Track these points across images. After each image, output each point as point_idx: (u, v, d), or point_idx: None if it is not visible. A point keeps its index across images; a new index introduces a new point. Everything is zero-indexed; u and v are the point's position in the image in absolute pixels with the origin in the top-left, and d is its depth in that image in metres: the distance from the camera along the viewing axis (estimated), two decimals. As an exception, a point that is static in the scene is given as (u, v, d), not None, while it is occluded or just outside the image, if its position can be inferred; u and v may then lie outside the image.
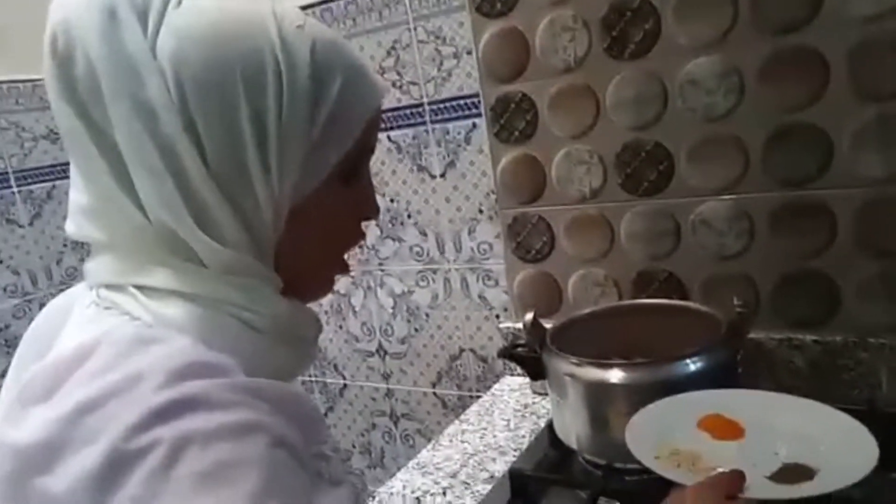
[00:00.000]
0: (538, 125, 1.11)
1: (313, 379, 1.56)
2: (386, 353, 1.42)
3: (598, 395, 0.80)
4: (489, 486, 0.91)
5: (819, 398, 0.97)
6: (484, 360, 1.30)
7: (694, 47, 0.97)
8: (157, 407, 0.39)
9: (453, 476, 0.95)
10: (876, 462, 0.57)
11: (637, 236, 1.08)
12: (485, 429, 1.07)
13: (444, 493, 0.92)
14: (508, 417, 1.10)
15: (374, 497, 0.94)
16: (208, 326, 0.46)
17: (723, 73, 0.96)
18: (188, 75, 0.44)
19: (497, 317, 1.26)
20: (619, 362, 0.82)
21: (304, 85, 0.47)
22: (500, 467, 0.95)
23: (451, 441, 1.06)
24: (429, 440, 1.40)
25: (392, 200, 1.31)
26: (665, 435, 0.66)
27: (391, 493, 0.94)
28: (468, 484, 0.93)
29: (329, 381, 1.53)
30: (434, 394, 1.38)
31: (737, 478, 0.55)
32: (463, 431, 1.08)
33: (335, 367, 1.51)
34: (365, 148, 0.53)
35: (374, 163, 1.30)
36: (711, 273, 1.04)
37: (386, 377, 1.44)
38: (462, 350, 1.32)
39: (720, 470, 0.57)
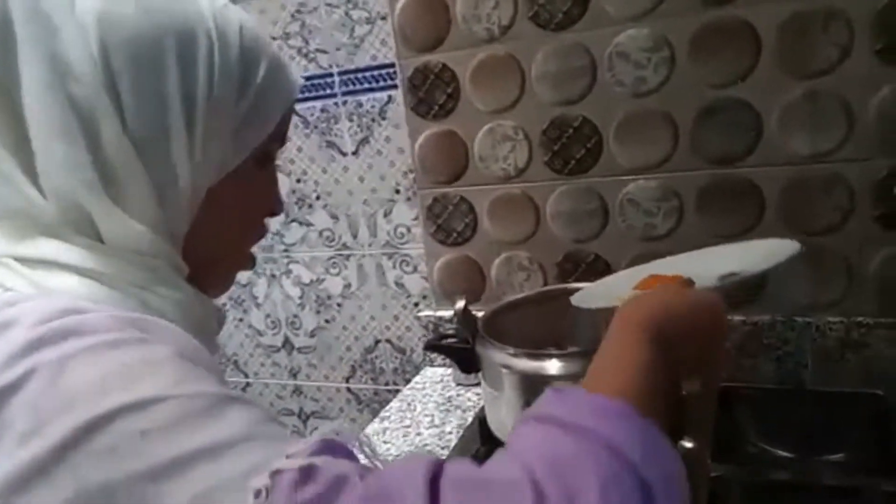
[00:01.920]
0: (460, 99, 1.04)
1: (211, 378, 1.42)
2: (293, 347, 1.31)
3: (536, 387, 0.73)
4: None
5: (747, 379, 0.98)
6: (402, 351, 1.22)
7: (624, 17, 0.92)
8: (33, 338, 0.36)
9: (376, 481, 0.87)
10: (799, 248, 0.59)
11: (563, 217, 1.03)
12: (408, 427, 0.99)
13: None
14: (432, 413, 1.02)
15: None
16: (101, 298, 0.42)
17: (653, 45, 0.92)
18: (115, 34, 0.43)
19: (416, 305, 1.18)
20: (557, 353, 0.77)
21: (233, 64, 0.47)
22: (428, 468, 0.88)
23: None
24: (342, 438, 1.31)
25: (298, 181, 1.20)
26: (606, 298, 0.65)
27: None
28: (394, 489, 0.85)
29: (229, 379, 1.40)
30: (347, 389, 1.29)
31: (688, 281, 0.54)
32: (384, 430, 0.99)
33: (236, 363, 1.38)
34: (276, 138, 0.53)
35: (278, 139, 1.18)
36: (638, 254, 1.00)
37: (293, 373, 1.33)
38: (378, 341, 1.23)
39: None
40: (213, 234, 0.50)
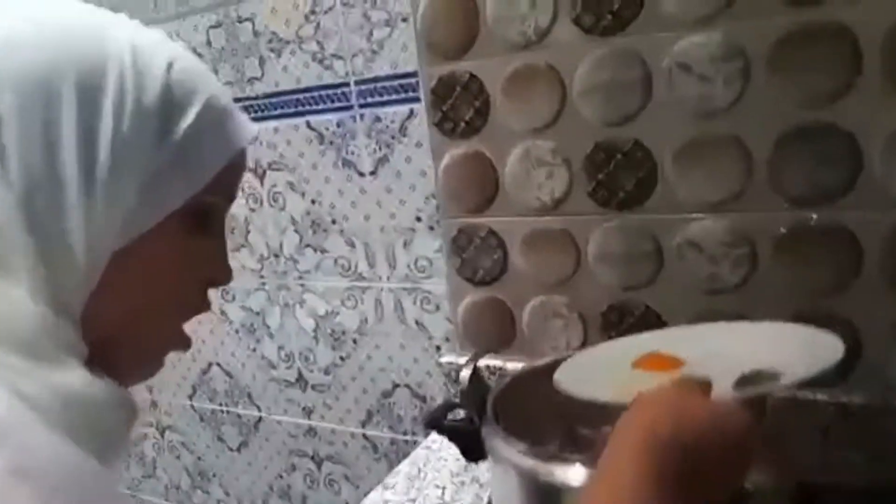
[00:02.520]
0: (489, 115, 0.89)
1: (224, 409, 1.32)
2: (307, 383, 1.19)
3: (551, 498, 0.57)
4: None
5: (832, 474, 0.79)
6: (422, 398, 1.07)
7: (687, 20, 0.75)
8: None
9: (362, 573, 0.73)
10: (843, 351, 0.53)
11: (609, 259, 0.86)
12: (412, 501, 0.85)
13: None
14: (444, 484, 0.87)
15: None
16: None
17: (723, 54, 0.74)
18: (2, 68, 0.38)
19: (437, 349, 1.03)
20: (581, 456, 0.60)
21: (152, 105, 0.41)
22: (424, 562, 0.73)
23: (367, 515, 0.83)
24: (357, 487, 1.18)
25: (313, 202, 1.07)
26: (599, 380, 0.59)
27: None
28: (379, 587, 0.70)
29: (242, 411, 1.29)
30: (363, 435, 1.15)
31: (703, 383, 0.48)
32: (385, 502, 0.85)
33: (249, 396, 1.27)
34: (220, 195, 0.46)
35: (293, 155, 1.06)
36: (700, 310, 0.82)
37: (307, 412, 1.21)
38: (396, 385, 1.09)
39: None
40: (124, 307, 0.42)
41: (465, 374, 0.67)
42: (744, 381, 0.54)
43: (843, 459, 0.77)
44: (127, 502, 0.42)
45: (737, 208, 0.78)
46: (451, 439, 0.70)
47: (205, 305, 0.48)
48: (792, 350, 0.58)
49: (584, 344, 0.91)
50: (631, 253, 0.85)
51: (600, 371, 0.62)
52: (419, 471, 0.91)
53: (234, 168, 0.46)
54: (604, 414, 0.65)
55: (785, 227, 0.76)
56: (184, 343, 0.49)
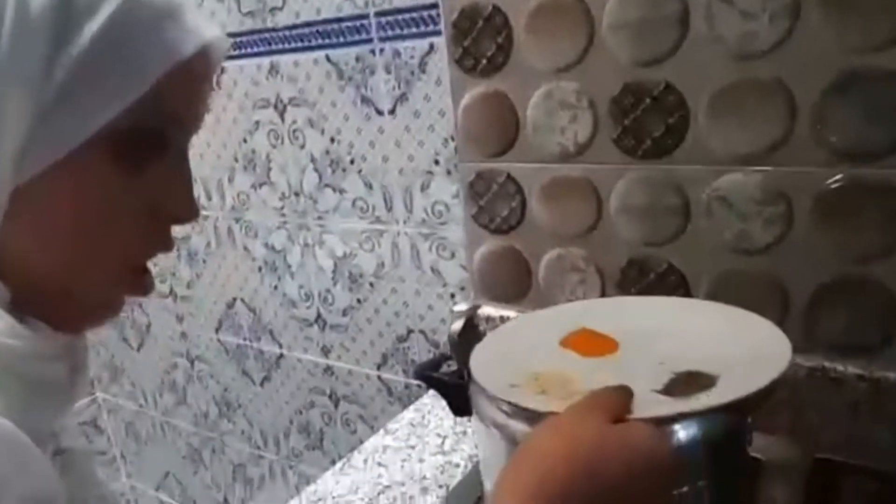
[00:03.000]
0: (511, 52, 0.82)
1: (249, 344, 1.33)
2: (326, 323, 1.18)
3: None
4: (392, 543, 0.68)
5: (857, 455, 0.73)
6: (435, 345, 1.05)
7: (732, -53, 0.67)
8: None
9: (352, 519, 0.72)
10: (789, 358, 0.48)
11: (631, 211, 0.81)
12: (412, 448, 0.83)
13: (333, 546, 0.69)
14: (445, 434, 0.85)
15: (244, 539, 0.71)
16: None
17: (771, -13, 0.66)
18: None
19: (452, 296, 1.00)
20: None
21: (38, 12, 0.33)
22: (415, 512, 0.72)
23: (366, 461, 0.82)
24: (371, 427, 1.18)
25: (332, 140, 1.04)
26: (520, 360, 0.55)
27: (267, 537, 0.71)
28: (367, 534, 0.70)
29: (265, 348, 1.30)
30: (378, 378, 1.15)
31: (622, 395, 0.44)
32: (384, 448, 0.84)
33: (271, 333, 1.28)
34: (166, 119, 0.39)
35: (313, 90, 1.02)
36: (725, 270, 0.76)
37: (326, 352, 1.20)
38: (410, 331, 1.07)
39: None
40: (51, 249, 0.38)
41: (457, 325, 0.64)
42: (673, 385, 0.49)
43: (870, 439, 0.71)
44: (43, 464, 0.37)
45: (774, 162, 0.71)
46: (439, 393, 0.67)
47: (164, 244, 0.43)
48: (735, 344, 0.53)
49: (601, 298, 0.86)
50: (655, 206, 0.79)
51: (525, 349, 0.58)
52: (423, 418, 0.90)
53: (181, 84, 0.38)
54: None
55: (826, 185, 0.69)
56: (141, 287, 0.43)
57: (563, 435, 0.39)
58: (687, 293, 0.79)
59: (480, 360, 0.55)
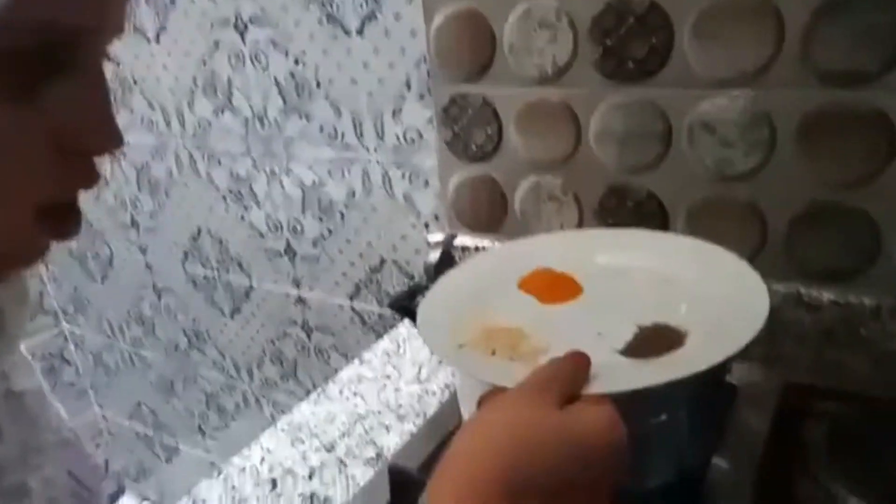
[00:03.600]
0: (488, -34, 0.78)
1: (217, 275, 1.30)
2: (295, 254, 1.15)
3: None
4: (369, 472, 0.67)
5: (822, 376, 0.74)
6: (410, 276, 1.04)
7: None
8: None
9: (329, 449, 0.72)
10: (766, 313, 0.43)
11: (612, 138, 0.78)
12: (388, 377, 0.83)
13: (310, 477, 0.68)
14: (421, 362, 0.85)
15: (219, 471, 0.71)
16: None
17: None
18: None
19: (426, 226, 0.98)
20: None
21: None
22: (392, 441, 0.72)
23: (341, 391, 0.81)
24: (346, 357, 1.18)
25: (297, 62, 0.98)
26: (474, 307, 0.51)
27: (243, 469, 0.71)
28: (344, 464, 0.69)
29: (234, 279, 1.28)
30: (352, 308, 1.13)
31: (575, 369, 0.39)
32: (360, 378, 0.83)
33: (239, 264, 1.25)
34: (53, 26, 0.29)
35: (275, 8, 0.96)
36: (705, 197, 0.75)
37: (296, 283, 1.18)
38: (383, 261, 1.05)
39: (551, 357, 0.41)
40: None
41: (433, 256, 0.62)
42: (638, 343, 0.45)
43: (842, 364, 0.73)
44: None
45: (760, 84, 0.68)
46: (413, 323, 0.66)
47: (84, 179, 0.34)
48: (707, 286, 0.48)
49: (578, 227, 0.85)
50: (636, 132, 0.76)
51: (480, 293, 0.53)
52: (398, 347, 0.89)
53: None
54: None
55: (811, 108, 0.67)
56: (61, 229, 0.35)
57: (505, 424, 0.35)
58: (665, 222, 0.78)
59: (428, 314, 0.51)
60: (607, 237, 0.60)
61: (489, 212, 0.90)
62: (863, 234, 0.69)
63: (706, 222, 0.76)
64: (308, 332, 1.22)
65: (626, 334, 0.45)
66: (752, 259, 0.72)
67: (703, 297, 0.48)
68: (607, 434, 0.35)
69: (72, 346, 1.77)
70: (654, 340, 0.44)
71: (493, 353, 0.45)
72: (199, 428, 1.58)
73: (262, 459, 0.72)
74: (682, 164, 0.75)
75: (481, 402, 0.38)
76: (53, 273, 1.66)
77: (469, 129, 0.87)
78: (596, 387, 0.38)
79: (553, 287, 0.53)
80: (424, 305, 0.52)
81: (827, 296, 0.72)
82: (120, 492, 1.91)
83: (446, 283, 0.55)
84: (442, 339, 0.47)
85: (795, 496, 0.61)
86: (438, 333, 0.48)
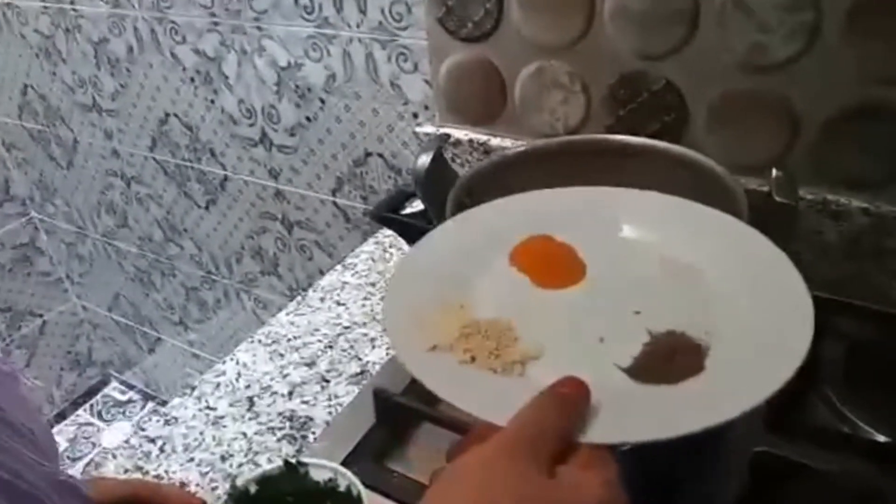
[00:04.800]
0: None
1: (189, 164, 1.20)
2: (272, 143, 1.06)
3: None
4: (353, 391, 0.63)
5: (840, 291, 0.69)
6: (396, 171, 0.95)
7: None
8: None
9: (310, 365, 0.67)
10: (809, 344, 0.33)
11: (629, 16, 0.68)
12: (373, 285, 0.77)
13: (289, 395, 0.64)
14: (409, 269, 0.78)
15: (193, 387, 0.66)
16: None
17: None
18: None
19: (415, 116, 0.89)
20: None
21: None
22: (377, 357, 0.67)
23: (323, 300, 0.75)
24: (329, 255, 1.11)
25: (266, -81, 0.85)
26: (453, 287, 0.41)
27: (217, 386, 0.66)
28: (326, 382, 0.64)
29: (207, 169, 1.18)
30: (334, 203, 1.06)
31: (575, 404, 0.31)
32: (343, 285, 0.77)
33: (212, 152, 1.15)
34: None
35: None
36: (731, 90, 0.66)
37: (274, 175, 1.09)
38: (368, 154, 0.96)
39: (543, 368, 0.34)
40: None
41: (425, 159, 0.54)
42: (648, 358, 0.36)
43: (864, 278, 0.67)
44: None
45: (810, -44, 0.58)
46: (402, 236, 0.59)
47: None
48: (740, 295, 0.38)
49: (584, 121, 0.76)
50: (658, 10, 0.66)
51: (461, 268, 0.43)
52: (384, 252, 0.82)
53: None
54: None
55: (869, -12, 0.57)
56: None
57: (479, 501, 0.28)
58: (683, 117, 0.70)
59: (395, 299, 0.41)
60: (620, 198, 0.48)
61: (485, 101, 0.81)
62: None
63: (730, 118, 0.68)
64: (288, 227, 1.15)
65: (635, 343, 0.37)
66: (780, 160, 0.65)
67: (732, 303, 0.39)
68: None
69: (43, 236, 1.69)
70: (667, 358, 0.36)
71: (473, 360, 0.36)
72: (181, 321, 1.54)
73: (239, 375, 0.66)
74: (708, 50, 0.65)
75: (450, 458, 0.31)
76: (17, 158, 1.56)
77: (465, 4, 0.76)
78: (597, 432, 0.31)
79: (551, 266, 0.43)
80: (392, 284, 0.42)
81: (856, 203, 0.65)
82: (104, 382, 1.91)
83: (423, 251, 0.45)
84: (409, 337, 0.37)
85: (808, 419, 0.58)
86: (404, 327, 0.38)
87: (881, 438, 0.53)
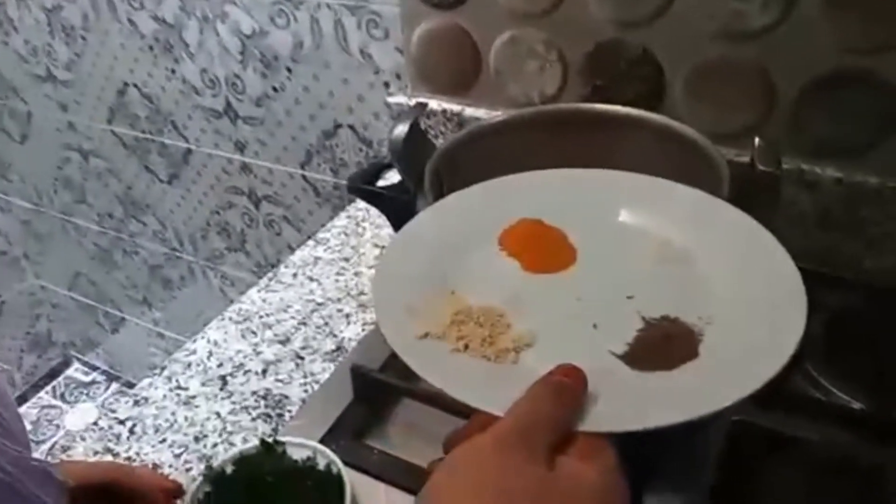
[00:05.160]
0: None
1: (149, 137, 1.16)
2: (237, 115, 1.02)
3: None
4: (329, 368, 0.61)
5: (814, 261, 0.69)
6: (367, 143, 0.93)
7: None
8: None
9: (284, 342, 0.65)
10: (801, 334, 0.33)
11: (606, -16, 0.67)
12: (346, 260, 0.75)
13: (263, 373, 0.62)
14: (384, 243, 0.77)
15: (162, 367, 0.64)
16: None
17: None
18: None
19: (386, 85, 0.86)
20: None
21: None
22: (353, 333, 0.65)
23: (295, 276, 0.73)
24: (298, 230, 1.09)
25: None
26: (443, 273, 0.40)
27: (188, 365, 0.64)
28: (301, 359, 0.63)
29: (168, 141, 1.14)
30: (303, 177, 1.03)
31: (572, 393, 0.30)
32: (315, 261, 0.75)
33: (174, 124, 1.11)
34: None
35: None
36: (709, 58, 0.66)
37: (240, 147, 1.06)
38: (338, 125, 0.94)
39: (537, 355, 0.34)
40: None
41: (401, 129, 0.52)
42: (643, 345, 0.36)
43: (837, 249, 0.68)
44: None
45: (790, -79, 0.57)
46: (379, 209, 0.57)
47: None
48: (733, 282, 0.38)
49: (560, 91, 0.75)
50: (636, -23, 0.65)
51: (450, 252, 0.42)
52: (357, 226, 0.81)
53: None
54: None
55: (848, -46, 0.56)
56: None
57: (478, 492, 0.27)
58: (661, 86, 0.69)
59: (384, 285, 0.40)
60: (610, 180, 0.47)
61: (459, 70, 0.79)
62: (879, 105, 0.61)
63: (708, 87, 0.67)
64: (256, 202, 1.12)
65: (628, 329, 0.37)
66: (756, 129, 0.65)
67: (726, 288, 0.38)
68: (608, 499, 0.28)
69: (-3, 212, 1.63)
70: (661, 344, 0.36)
71: (466, 347, 0.36)
72: (145, 299, 1.50)
73: (210, 354, 0.64)
74: (686, 17, 0.65)
75: (447, 448, 0.30)
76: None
77: (437, -30, 0.73)
78: (594, 420, 0.30)
79: (541, 249, 0.43)
80: (380, 270, 0.41)
81: (830, 173, 0.65)
82: (66, 363, 1.86)
83: (411, 236, 0.44)
84: (400, 324, 0.37)
85: (785, 388, 0.58)
86: (395, 315, 0.37)
87: (856, 406, 0.54)
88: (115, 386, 1.80)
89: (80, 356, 1.85)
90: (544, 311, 0.39)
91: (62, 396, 1.79)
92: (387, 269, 0.41)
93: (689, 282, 0.40)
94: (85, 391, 1.79)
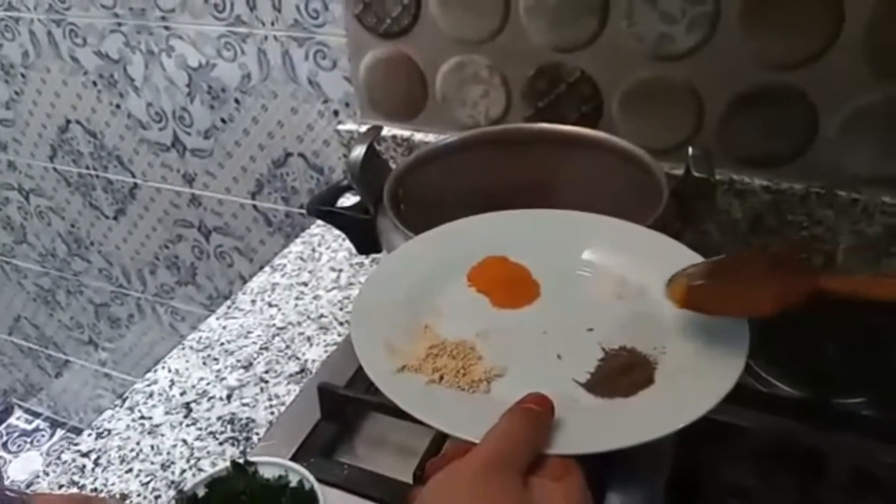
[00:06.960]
0: None
1: (93, 173, 1.15)
2: (185, 147, 1.03)
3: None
4: (294, 390, 0.62)
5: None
6: (319, 170, 0.94)
7: None
8: None
9: (247, 367, 0.65)
10: (745, 359, 0.37)
11: (544, 12, 0.71)
12: (304, 284, 0.76)
13: (228, 398, 0.62)
14: (340, 267, 0.78)
15: (124, 398, 0.63)
16: None
17: None
18: None
19: (335, 113, 0.88)
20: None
21: None
22: (316, 354, 0.66)
23: (254, 302, 0.74)
24: (250, 260, 1.09)
25: (171, -85, 0.82)
26: (417, 309, 0.43)
27: (150, 395, 0.63)
28: (265, 383, 0.63)
29: (114, 177, 1.13)
30: (254, 207, 1.03)
31: (540, 419, 0.33)
32: (273, 287, 0.76)
33: (119, 160, 1.10)
34: None
35: None
36: (642, 79, 0.70)
37: (189, 180, 1.06)
38: (288, 154, 0.95)
39: (508, 385, 0.37)
40: None
41: (359, 152, 0.54)
42: (603, 374, 0.39)
43: (762, 248, 0.72)
44: None
45: (707, -48, 0.62)
46: (340, 229, 0.59)
47: None
48: (684, 316, 0.41)
49: (505, 113, 0.78)
50: (570, 5, 0.69)
51: (422, 288, 0.45)
52: (313, 251, 0.82)
53: None
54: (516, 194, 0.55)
55: (761, -19, 0.62)
56: None
57: None
58: (599, 106, 0.73)
59: (362, 327, 0.42)
60: (561, 220, 0.50)
61: (406, 96, 0.82)
62: (800, 116, 0.67)
63: (642, 105, 0.72)
64: (206, 234, 1.11)
65: (590, 359, 0.40)
66: (688, 143, 0.69)
67: (676, 320, 0.41)
68: None
69: (-72, 257, 1.57)
70: (620, 372, 0.39)
71: (441, 378, 0.38)
72: (90, 339, 1.46)
73: (172, 383, 0.64)
74: (618, 41, 0.69)
75: (427, 475, 0.32)
76: None
77: (382, 1, 0.76)
78: (562, 443, 0.33)
79: (508, 286, 0.45)
80: (357, 308, 0.43)
81: (758, 181, 0.70)
82: (7, 412, 1.78)
83: (384, 275, 0.47)
84: (379, 360, 0.39)
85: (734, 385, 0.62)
86: (374, 351, 0.40)
87: (795, 394, 0.58)
88: (60, 432, 1.73)
89: (21, 403, 1.78)
90: (512, 344, 0.42)
91: (5, 446, 1.71)
92: (363, 307, 0.43)
93: (645, 314, 0.43)
94: (28, 439, 1.72)
